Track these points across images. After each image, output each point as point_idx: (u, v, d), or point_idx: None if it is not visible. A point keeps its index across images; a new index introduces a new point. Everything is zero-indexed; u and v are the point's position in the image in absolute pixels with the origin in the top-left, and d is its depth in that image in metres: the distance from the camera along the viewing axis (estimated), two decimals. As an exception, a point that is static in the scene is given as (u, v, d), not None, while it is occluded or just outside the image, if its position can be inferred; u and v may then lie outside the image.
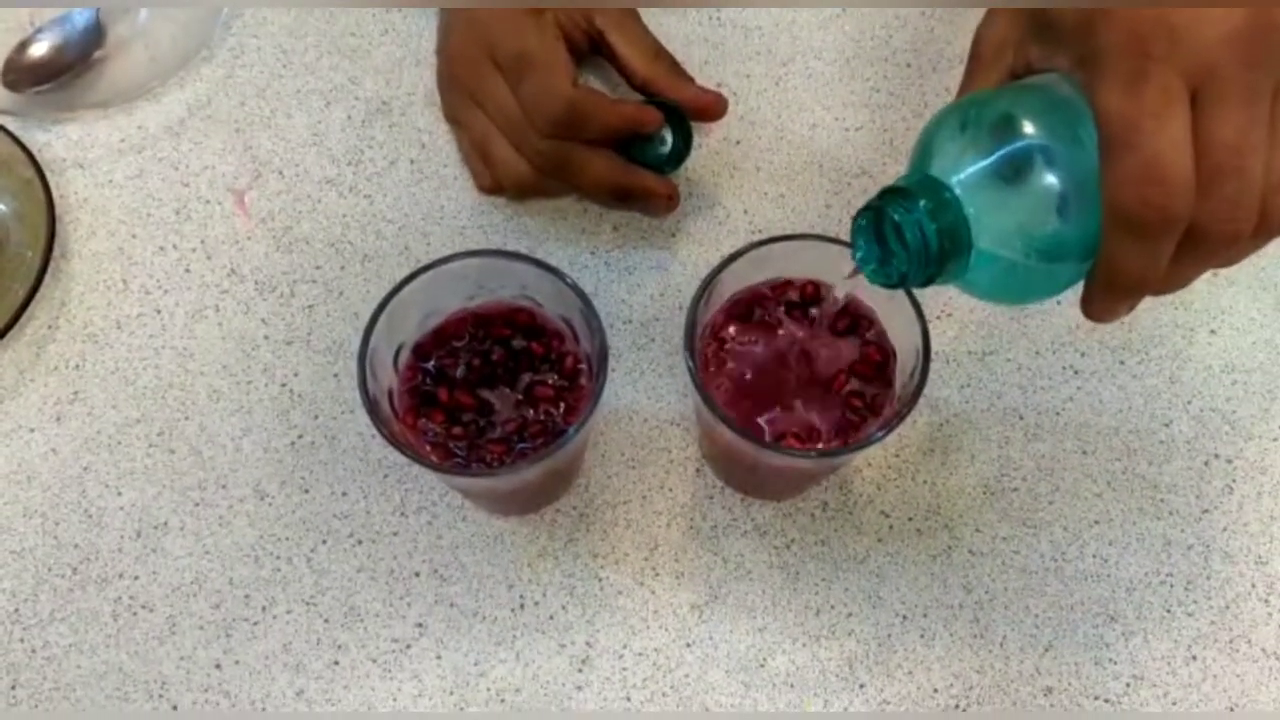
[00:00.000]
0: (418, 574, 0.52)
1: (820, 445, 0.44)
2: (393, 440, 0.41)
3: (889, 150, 0.61)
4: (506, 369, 0.47)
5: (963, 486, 0.54)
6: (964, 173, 0.37)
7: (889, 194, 0.38)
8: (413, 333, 0.46)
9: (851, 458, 0.49)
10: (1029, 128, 0.36)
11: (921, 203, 0.37)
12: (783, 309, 0.46)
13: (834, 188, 0.60)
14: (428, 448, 0.45)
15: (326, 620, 0.51)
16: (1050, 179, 0.36)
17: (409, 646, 0.51)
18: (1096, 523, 0.54)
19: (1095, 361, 0.57)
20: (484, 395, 0.46)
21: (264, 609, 0.52)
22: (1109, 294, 0.36)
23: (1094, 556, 0.53)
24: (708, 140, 0.61)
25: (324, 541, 0.53)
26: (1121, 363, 0.57)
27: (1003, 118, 0.37)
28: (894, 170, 0.61)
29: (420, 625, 0.51)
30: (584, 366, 0.46)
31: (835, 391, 0.45)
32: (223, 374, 0.56)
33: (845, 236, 0.55)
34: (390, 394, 0.45)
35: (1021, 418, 0.56)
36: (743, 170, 0.61)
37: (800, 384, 0.45)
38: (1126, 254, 0.34)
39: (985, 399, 0.56)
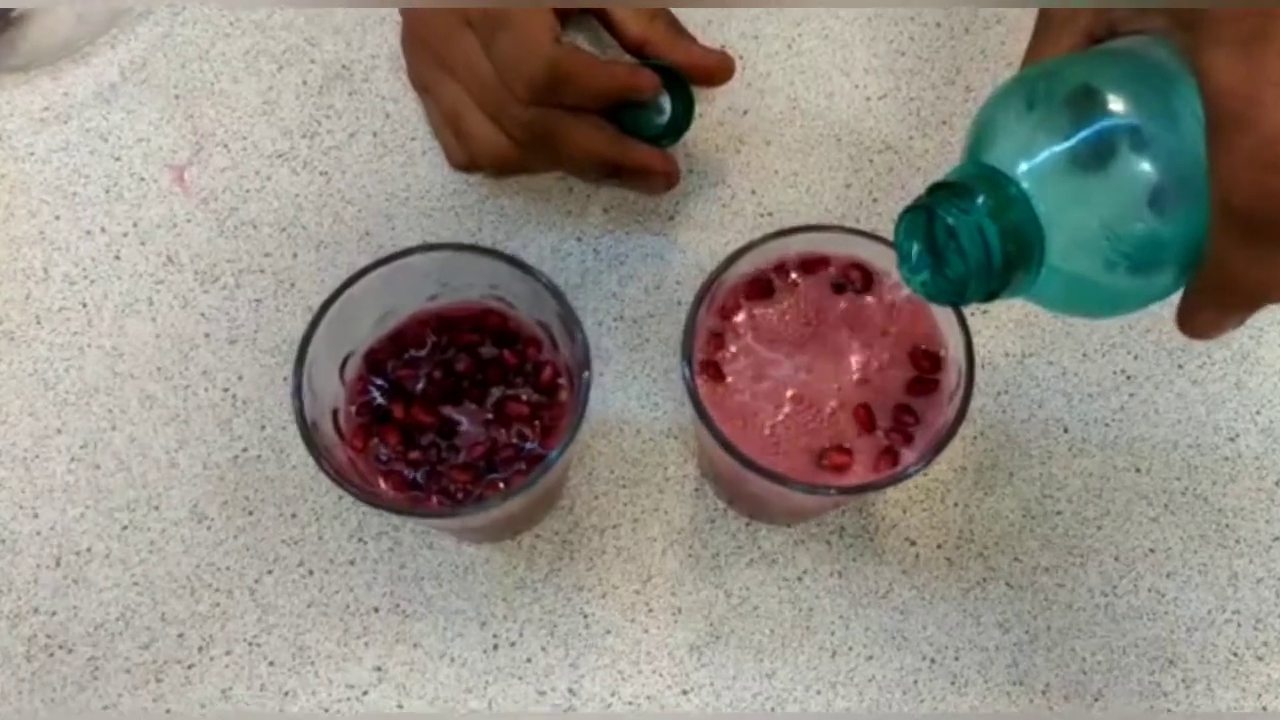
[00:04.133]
0: (377, 609, 0.46)
1: (849, 481, 0.37)
2: (335, 475, 0.35)
3: (916, 122, 0.54)
4: (474, 381, 0.40)
5: (999, 510, 0.48)
6: (1033, 161, 0.30)
7: (940, 190, 0.31)
8: (363, 339, 0.39)
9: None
10: (1114, 103, 0.30)
11: (980, 200, 0.30)
12: (807, 291, 0.39)
13: (854, 165, 0.53)
14: (379, 478, 0.38)
15: (272, 663, 0.45)
16: (1142, 166, 0.29)
17: (366, 693, 0.45)
18: (1152, 551, 0.47)
19: (1150, 365, 0.50)
20: (447, 412, 0.40)
21: (200, 649, 0.45)
22: (1218, 306, 0.29)
23: (1149, 591, 0.47)
24: (711, 109, 0.54)
25: (270, 571, 0.46)
26: (1180, 367, 0.50)
27: (1081, 91, 0.30)
28: (921, 145, 0.54)
29: (379, 669, 0.45)
30: (563, 379, 0.40)
31: (873, 406, 0.38)
32: (156, 377, 0.49)
33: (868, 222, 0.48)
34: (335, 413, 0.38)
35: (1066, 430, 0.49)
36: (750, 144, 0.53)
37: (827, 394, 0.38)
38: (1241, 257, 0.28)
39: (1024, 408, 0.49)
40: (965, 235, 0.31)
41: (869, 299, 0.38)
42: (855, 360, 0.37)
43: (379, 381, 0.39)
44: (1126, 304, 0.32)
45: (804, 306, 0.38)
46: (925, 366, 0.37)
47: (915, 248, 0.33)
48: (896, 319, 0.38)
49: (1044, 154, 0.30)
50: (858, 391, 0.37)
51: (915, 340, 0.37)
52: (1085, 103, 0.30)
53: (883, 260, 0.38)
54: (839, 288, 0.38)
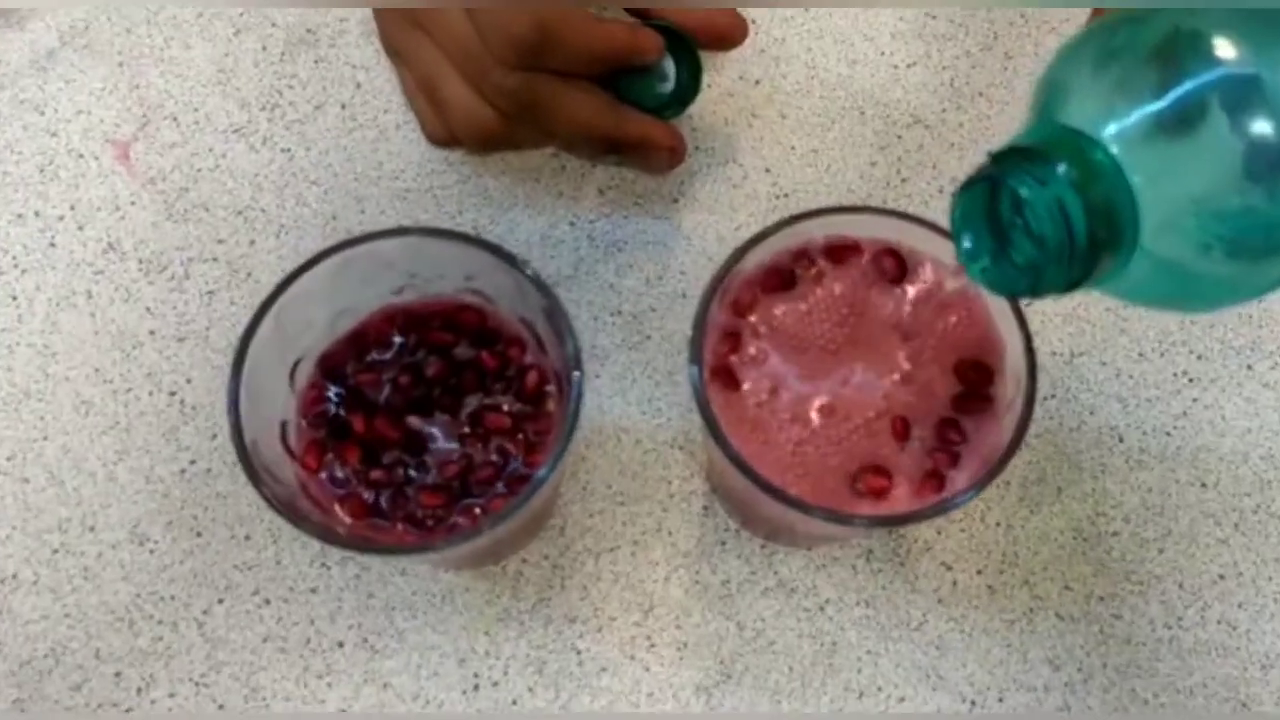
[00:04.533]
0: (341, 644, 0.40)
1: (887, 509, 0.31)
2: (277, 504, 0.29)
3: (950, 93, 0.48)
4: (446, 389, 0.34)
5: (1047, 531, 0.42)
6: (1124, 121, 0.25)
7: (1009, 157, 0.26)
8: (317, 340, 0.34)
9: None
10: (1224, 49, 0.24)
11: (1062, 168, 0.25)
12: (836, 283, 0.33)
13: (880, 141, 0.48)
14: (335, 503, 0.33)
15: (222, 706, 0.39)
16: (1261, 127, 0.23)
17: (329, 741, 0.39)
18: (1221, 578, 0.42)
19: (1216, 366, 0.44)
20: (415, 425, 0.34)
21: (140, 691, 0.40)
22: None
23: (1219, 623, 0.41)
24: (720, 78, 0.48)
25: (220, 601, 0.41)
26: (1249, 367, 0.44)
27: (1180, 36, 0.25)
28: (955, 119, 0.48)
29: (344, 712, 0.40)
30: (551, 386, 0.34)
31: (914, 421, 0.32)
32: (94, 380, 0.43)
33: (896, 204, 0.43)
34: (283, 427, 0.33)
35: (1122, 439, 0.43)
36: (764, 118, 0.48)
37: (861, 406, 0.32)
38: None
39: (1075, 415, 0.44)
40: (1042, 211, 0.25)
41: (910, 293, 0.32)
42: (893, 366, 0.32)
43: (335, 389, 0.34)
44: (1232, 295, 0.27)
45: (832, 302, 0.33)
46: (976, 375, 0.32)
47: (976, 228, 0.28)
48: (942, 318, 0.32)
49: (1139, 112, 0.25)
50: (896, 404, 0.31)
51: (965, 343, 0.32)
52: (1188, 51, 0.24)
53: (926, 246, 0.32)
54: (874, 279, 0.33)
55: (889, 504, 0.31)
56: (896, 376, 0.32)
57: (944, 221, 0.31)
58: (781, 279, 0.33)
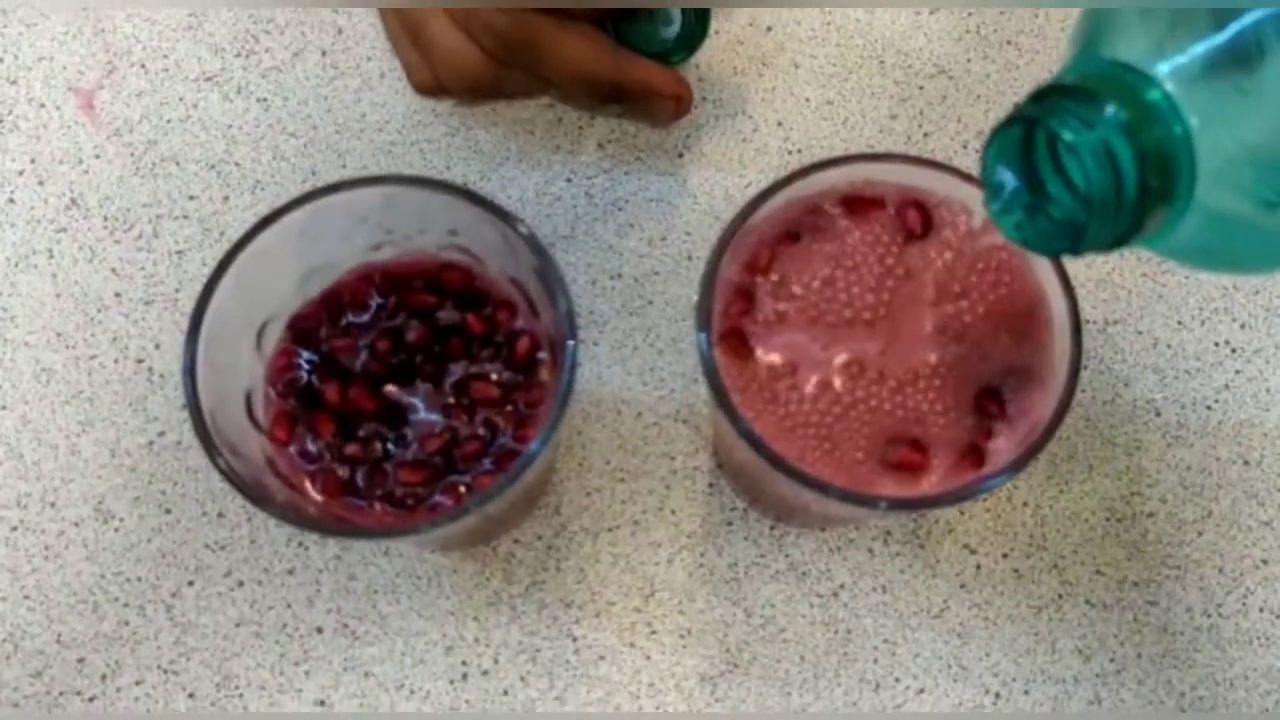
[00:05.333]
0: (320, 630, 0.38)
1: (919, 489, 0.28)
2: (239, 481, 0.26)
3: (975, 41, 0.45)
4: (429, 355, 0.31)
5: (1078, 511, 0.39)
6: (1182, 57, 0.22)
7: (1050, 96, 0.23)
8: (286, 301, 0.31)
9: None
10: None
11: (1110, 109, 0.22)
12: (861, 238, 0.30)
13: (901, 92, 0.44)
14: (306, 480, 0.30)
15: (192, 695, 0.37)
16: None
17: (306, 733, 0.37)
18: (1264, 562, 0.39)
19: (1261, 335, 0.41)
20: (394, 395, 0.31)
21: (104, 678, 0.37)
22: None
23: (1261, 611, 0.38)
24: (729, 24, 0.45)
25: (190, 583, 0.38)
26: (1296, 337, 0.41)
27: None
28: (981, 69, 0.45)
29: (323, 703, 0.37)
30: (544, 353, 0.31)
31: (948, 392, 0.29)
32: (55, 345, 0.40)
33: (933, 158, 0.39)
34: (248, 397, 0.30)
35: (1159, 414, 0.40)
36: (776, 67, 0.44)
37: (888, 375, 0.29)
38: None
39: (1108, 387, 0.41)
40: (1088, 157, 0.22)
41: (942, 250, 0.29)
42: (925, 330, 0.29)
43: (307, 355, 0.31)
44: None
45: (856, 259, 0.29)
46: (1017, 341, 0.29)
47: (1010, 178, 0.25)
48: (980, 277, 0.29)
49: (1200, 46, 0.22)
50: (929, 371, 0.28)
51: (1005, 306, 0.28)
52: None
53: (957, 197, 0.29)
54: (902, 234, 0.29)
55: (922, 480, 0.28)
56: (929, 341, 0.29)
57: (974, 173, 0.28)
58: (799, 234, 0.30)
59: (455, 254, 0.31)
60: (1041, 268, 0.28)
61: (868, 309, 0.29)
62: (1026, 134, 0.24)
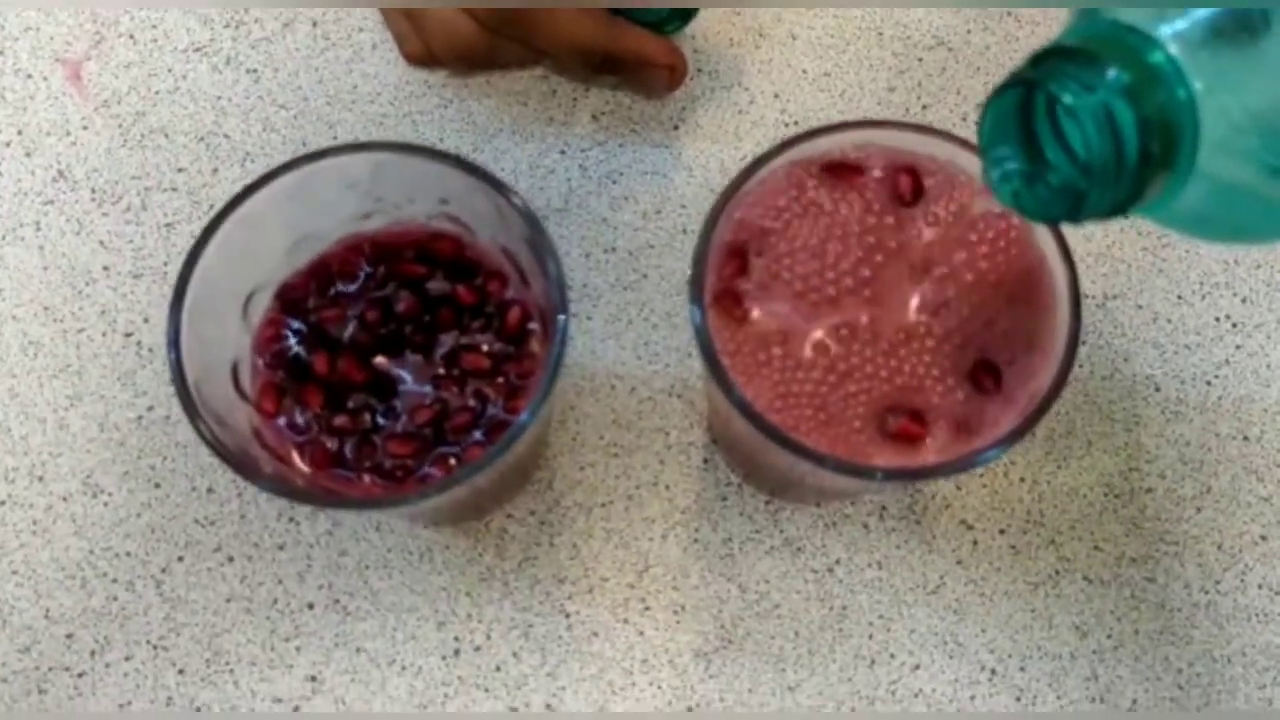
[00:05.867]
0: (311, 605, 0.37)
1: (918, 460, 0.27)
2: (225, 452, 0.26)
3: (975, 12, 0.45)
4: (419, 326, 0.31)
5: (1076, 487, 0.39)
6: (1184, 21, 0.21)
7: (1050, 59, 0.22)
8: (274, 270, 0.30)
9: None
10: None
11: (1112, 72, 0.21)
12: (859, 204, 0.29)
13: (899, 64, 0.44)
14: (294, 451, 0.29)
15: (182, 671, 0.37)
16: None
17: (297, 708, 0.36)
18: (1263, 539, 0.39)
19: (1261, 310, 0.41)
20: (384, 366, 0.31)
21: (94, 654, 0.37)
22: None
23: (1260, 587, 0.38)
24: (725, -5, 0.44)
25: (180, 558, 0.38)
26: (1297, 312, 0.41)
27: None
28: (981, 41, 0.44)
29: (314, 679, 0.37)
30: (535, 324, 0.30)
31: (947, 360, 0.28)
32: (43, 319, 0.40)
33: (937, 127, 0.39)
34: (235, 367, 0.29)
35: (1158, 389, 0.40)
36: (772, 37, 0.44)
37: (886, 342, 0.28)
38: None
39: (1107, 362, 0.40)
40: (1088, 122, 0.22)
41: (940, 216, 0.28)
42: (920, 299, 0.28)
43: (295, 325, 0.30)
44: None
45: (852, 226, 0.29)
46: (1016, 310, 0.28)
47: (1007, 144, 0.24)
48: (979, 244, 0.28)
49: (1204, 9, 0.21)
50: (926, 339, 0.28)
51: (1003, 275, 0.28)
52: None
53: (954, 164, 0.29)
54: (901, 200, 0.29)
55: (920, 452, 0.27)
56: (925, 309, 0.28)
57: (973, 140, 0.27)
58: (795, 200, 0.30)
59: (446, 223, 0.31)
60: (1041, 236, 0.28)
61: (863, 276, 0.28)
62: (1025, 98, 0.24)
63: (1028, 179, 0.25)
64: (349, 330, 0.31)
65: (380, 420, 0.30)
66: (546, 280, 0.28)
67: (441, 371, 0.31)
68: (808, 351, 0.28)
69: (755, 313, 0.28)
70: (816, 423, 0.27)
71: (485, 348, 0.31)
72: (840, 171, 0.29)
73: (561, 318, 0.27)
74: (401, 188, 0.30)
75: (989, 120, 0.24)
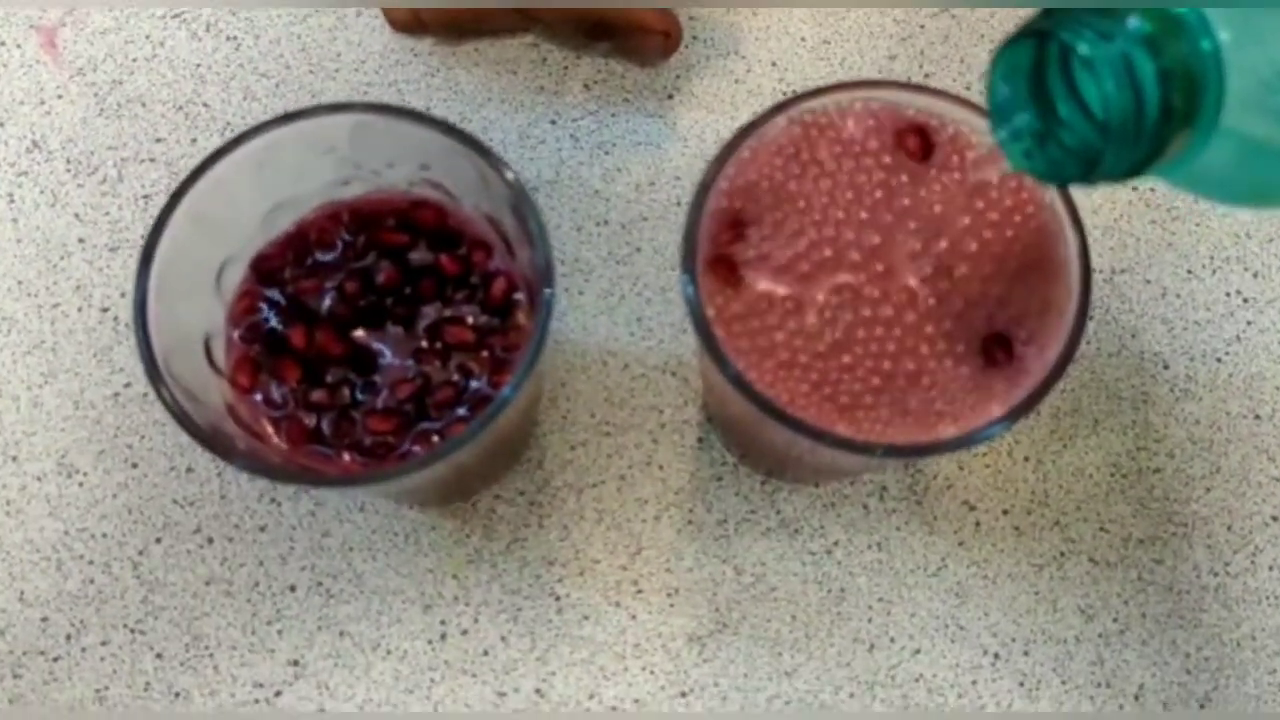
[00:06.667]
0: (293, 588, 0.36)
1: (929, 435, 0.26)
2: (191, 427, 0.24)
3: (980, -22, 0.43)
4: (400, 298, 0.29)
5: (1081, 467, 0.38)
6: None
7: (1064, 9, 0.21)
8: (248, 239, 0.29)
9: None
10: None
11: (1132, 21, 0.20)
12: (861, 166, 0.28)
13: (901, 31, 0.42)
14: (270, 426, 0.28)
15: (160, 655, 0.35)
16: None
17: (279, 693, 0.35)
18: (1274, 519, 0.37)
19: (1274, 284, 0.40)
20: (363, 339, 0.29)
21: (69, 638, 0.36)
22: None
23: (1270, 569, 0.37)
24: (721, -41, 0.43)
25: (158, 540, 0.36)
26: (1311, 287, 0.40)
27: None
28: (985, 9, 0.43)
29: (296, 663, 0.36)
30: (521, 295, 0.29)
31: (954, 331, 0.27)
32: (16, 293, 0.39)
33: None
34: (207, 341, 0.28)
35: (1166, 366, 0.39)
36: (770, 5, 0.42)
37: (889, 311, 0.27)
38: None
39: (1115, 338, 0.39)
40: (1106, 74, 0.20)
41: (948, 184, 0.27)
42: (927, 266, 0.27)
43: (271, 296, 0.29)
44: None
45: (853, 191, 0.28)
46: (1024, 281, 0.27)
47: (1018, 100, 0.23)
48: (989, 208, 0.27)
49: None
50: (931, 309, 0.27)
51: (1011, 244, 0.27)
52: None
53: (960, 126, 0.27)
54: (904, 163, 0.28)
55: (923, 426, 0.26)
56: (934, 277, 0.27)
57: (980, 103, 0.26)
58: (793, 163, 0.28)
59: (428, 190, 0.30)
60: (1051, 203, 0.26)
61: (865, 243, 0.27)
62: (1037, 51, 0.22)
63: (1040, 138, 0.23)
64: (327, 302, 0.29)
65: (359, 395, 0.29)
66: (532, 248, 0.27)
67: (424, 345, 0.29)
68: (807, 320, 0.26)
69: (750, 281, 0.27)
70: (817, 396, 0.26)
71: (469, 320, 0.29)
72: (842, 132, 0.28)
73: (548, 290, 0.26)
74: (381, 152, 0.29)
75: (998, 74, 0.23)
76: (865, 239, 0.27)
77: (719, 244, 0.27)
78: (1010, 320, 0.26)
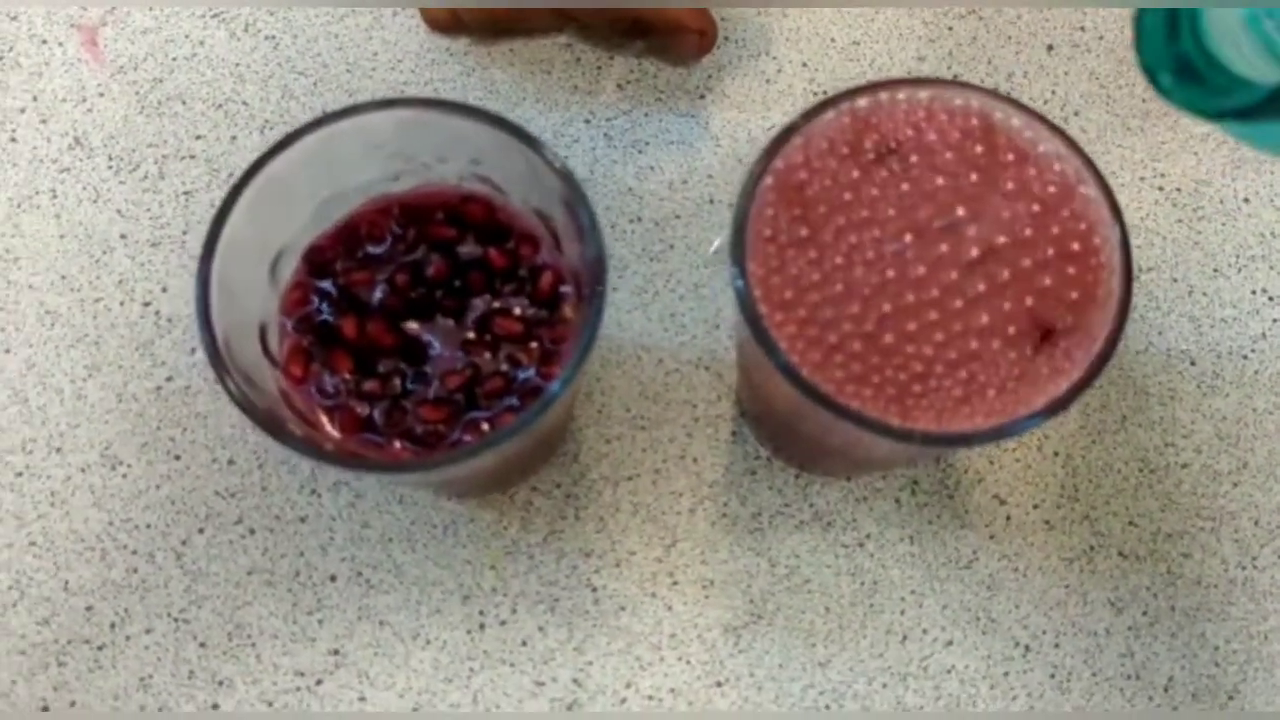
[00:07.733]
0: (334, 578, 0.37)
1: (973, 423, 0.27)
2: (256, 413, 0.25)
3: (1007, -19, 0.44)
4: (450, 290, 0.30)
5: (1110, 462, 0.38)
6: None
7: None
8: (301, 230, 0.30)
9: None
10: None
11: None
12: (911, 162, 0.28)
13: (929, 33, 0.43)
14: (323, 415, 0.29)
15: (203, 644, 0.36)
16: None
17: (320, 682, 0.36)
18: (1301, 515, 0.38)
19: (1298, 284, 0.40)
20: (414, 330, 0.30)
21: (114, 627, 0.36)
22: None
23: (1298, 563, 0.37)
24: (753, -39, 0.43)
25: (201, 530, 0.37)
26: (1335, 286, 0.40)
27: None
28: (1013, 10, 0.43)
29: (337, 652, 0.36)
30: (569, 288, 0.30)
31: (1004, 320, 0.27)
32: (60, 287, 0.39)
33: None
34: (263, 330, 0.29)
35: (1193, 363, 0.39)
36: (800, 6, 0.43)
37: (938, 299, 0.27)
38: None
39: (1142, 335, 0.40)
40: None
41: (1004, 180, 0.28)
42: (980, 253, 0.27)
43: (324, 287, 0.30)
44: None
45: (911, 183, 0.28)
46: (1067, 271, 0.27)
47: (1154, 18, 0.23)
48: (1039, 200, 0.27)
49: None
50: (976, 300, 0.27)
51: (1056, 232, 0.27)
52: None
53: (1017, 128, 0.28)
54: (960, 163, 0.28)
55: (964, 415, 0.26)
56: (980, 269, 0.27)
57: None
58: (847, 156, 0.29)
59: (477, 184, 0.30)
60: (1093, 196, 0.27)
61: (913, 236, 0.28)
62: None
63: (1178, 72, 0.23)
64: (378, 294, 0.30)
65: (411, 385, 0.29)
66: (582, 241, 0.27)
67: (472, 336, 0.30)
68: (854, 309, 0.27)
69: (799, 272, 0.27)
70: (865, 385, 0.27)
71: (518, 312, 0.30)
72: (893, 126, 0.28)
73: (599, 287, 0.27)
74: (430, 147, 0.29)
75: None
76: (914, 235, 0.27)
77: (767, 236, 0.27)
78: (1052, 313, 0.27)
